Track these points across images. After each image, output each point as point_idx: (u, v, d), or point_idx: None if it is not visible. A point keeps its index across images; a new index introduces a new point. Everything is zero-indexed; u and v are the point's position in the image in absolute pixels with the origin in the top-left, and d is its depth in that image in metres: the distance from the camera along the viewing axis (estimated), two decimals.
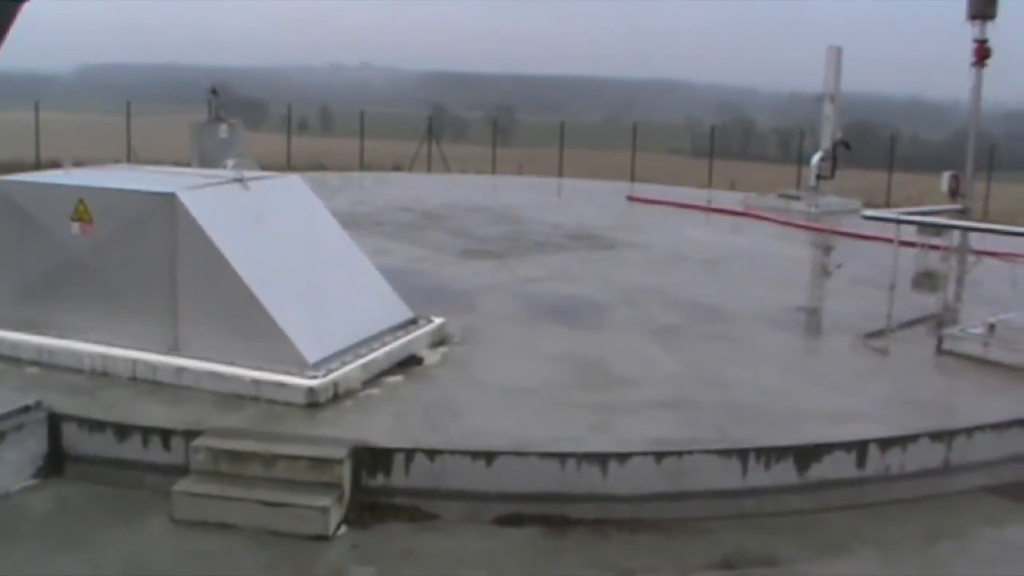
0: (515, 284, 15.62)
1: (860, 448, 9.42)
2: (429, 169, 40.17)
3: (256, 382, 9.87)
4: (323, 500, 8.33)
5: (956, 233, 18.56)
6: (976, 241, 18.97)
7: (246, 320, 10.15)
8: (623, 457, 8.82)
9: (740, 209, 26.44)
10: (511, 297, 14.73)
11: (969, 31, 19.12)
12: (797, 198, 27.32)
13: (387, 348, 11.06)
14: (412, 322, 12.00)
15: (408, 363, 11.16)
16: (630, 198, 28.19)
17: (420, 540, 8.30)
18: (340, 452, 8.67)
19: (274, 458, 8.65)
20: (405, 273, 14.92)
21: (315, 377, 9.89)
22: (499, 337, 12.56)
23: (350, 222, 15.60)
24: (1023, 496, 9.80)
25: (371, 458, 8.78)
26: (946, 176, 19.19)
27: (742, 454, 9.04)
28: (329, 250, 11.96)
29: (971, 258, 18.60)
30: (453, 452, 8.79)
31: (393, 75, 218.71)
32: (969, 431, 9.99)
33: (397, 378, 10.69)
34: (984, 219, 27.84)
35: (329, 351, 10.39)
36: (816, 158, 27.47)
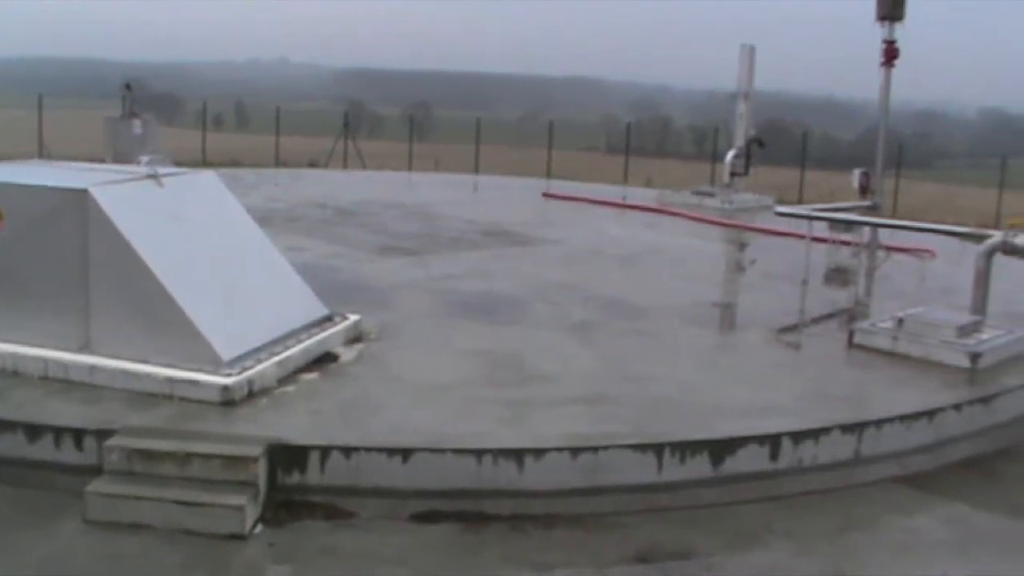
0: (431, 281, 15.62)
1: (773, 441, 9.54)
2: (345, 165, 40.02)
3: (170, 380, 9.77)
4: (239, 499, 8.27)
5: (866, 229, 18.81)
6: (886, 237, 19.24)
7: (160, 317, 10.05)
8: (539, 453, 8.86)
9: (655, 205, 26.62)
10: (427, 294, 14.72)
11: (878, 32, 19.36)
12: (711, 195, 27.58)
13: (302, 345, 11.01)
14: (327, 319, 11.95)
15: (324, 360, 11.11)
16: (546, 195, 28.27)
17: (337, 538, 8.28)
18: (255, 450, 8.62)
19: (189, 457, 8.58)
20: (320, 270, 14.86)
21: (230, 375, 9.81)
22: (415, 334, 12.55)
23: (265, 219, 15.52)
24: (931, 486, 9.99)
25: (287, 456, 8.74)
26: (856, 173, 19.40)
27: (657, 449, 9.11)
28: (244, 247, 11.86)
29: (881, 254, 18.86)
30: (369, 449, 8.77)
31: (310, 71, 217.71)
32: (879, 423, 10.16)
33: (313, 375, 10.64)
34: (893, 215, 28.24)
35: (244, 348, 10.32)
36: (730, 155, 27.76)
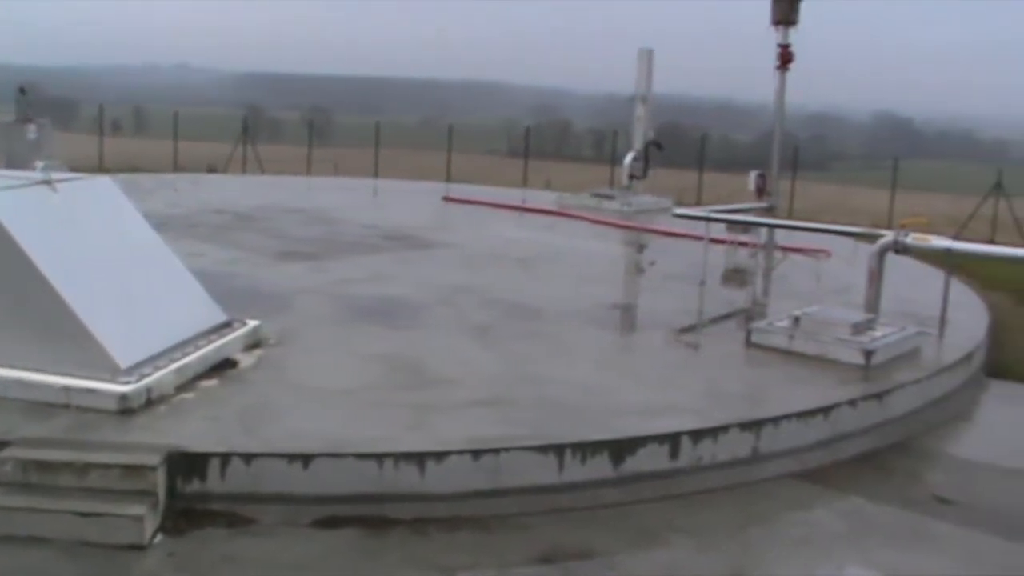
0: (331, 285, 15.55)
1: (673, 440, 9.64)
2: (244, 170, 39.63)
3: (66, 389, 9.61)
4: (138, 508, 8.16)
5: (763, 230, 19.06)
6: (782, 237, 19.51)
7: (55, 325, 9.88)
8: (441, 456, 8.86)
9: (555, 208, 26.74)
10: (327, 299, 14.65)
11: (773, 36, 19.64)
12: (610, 197, 27.77)
13: (201, 352, 10.89)
14: (226, 325, 11.84)
15: (223, 367, 11.00)
16: (446, 198, 28.28)
17: (237, 545, 8.20)
18: (154, 459, 8.51)
19: (86, 467, 8.44)
20: (219, 276, 14.70)
21: (127, 383, 9.67)
22: (315, 339, 12.49)
23: (163, 224, 15.33)
24: (828, 480, 10.18)
25: (186, 464, 8.64)
26: (753, 175, 19.66)
27: (558, 450, 9.16)
28: (141, 253, 11.71)
29: (778, 254, 19.14)
30: (269, 455, 8.71)
31: (209, 76, 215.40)
32: (776, 420, 10.33)
33: (212, 382, 10.54)
34: (790, 216, 28.65)
35: (142, 356, 10.18)
36: (629, 158, 27.98)
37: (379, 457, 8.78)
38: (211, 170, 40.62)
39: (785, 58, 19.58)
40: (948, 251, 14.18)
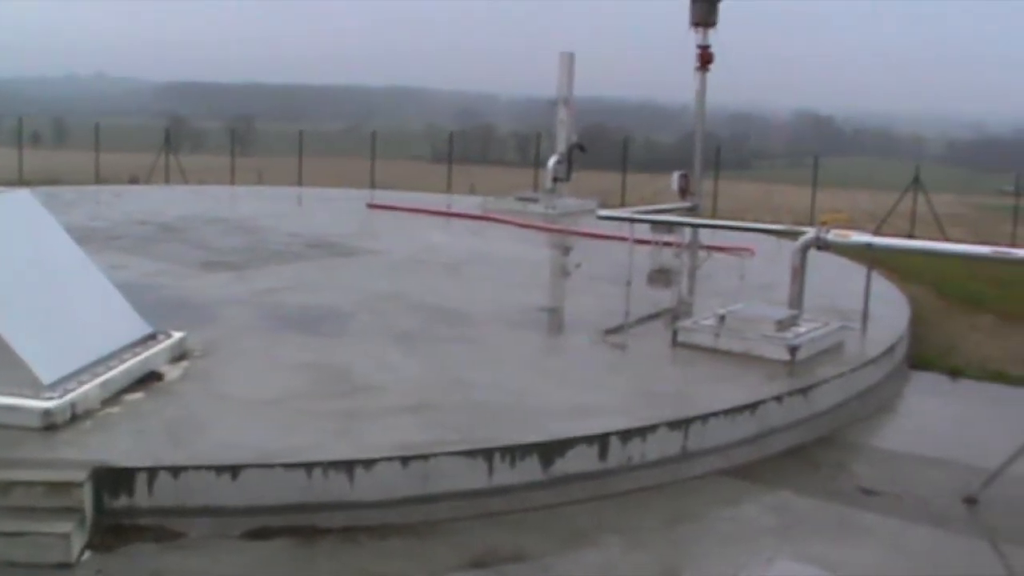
0: (255, 295, 15.44)
1: (602, 441, 9.67)
2: (167, 181, 39.29)
3: None
4: (64, 526, 8.04)
5: (687, 230, 19.19)
6: (706, 237, 19.66)
7: None
8: (369, 463, 8.82)
9: (479, 213, 26.76)
10: (252, 308, 14.55)
11: (692, 37, 19.80)
12: (535, 200, 27.83)
13: (126, 365, 10.76)
14: (151, 337, 11.71)
15: (148, 379, 10.88)
16: (371, 205, 28.21)
17: (167, 560, 8.11)
18: (80, 475, 8.39)
19: (10, 485, 8.30)
20: (143, 288, 14.55)
21: (51, 398, 9.53)
22: (241, 349, 12.39)
23: (85, 237, 15.17)
24: (756, 475, 10.27)
25: (113, 479, 8.53)
26: (676, 176, 19.80)
27: (487, 454, 9.15)
28: (62, 267, 11.56)
29: (702, 253, 19.27)
30: (197, 468, 8.62)
31: (129, 86, 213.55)
32: (704, 418, 10.39)
33: (137, 395, 10.41)
34: (713, 216, 28.87)
35: (65, 371, 10.04)
36: (552, 161, 28.06)
37: (308, 466, 8.73)
38: (133, 181, 40.32)
39: (705, 59, 19.74)
40: (869, 246, 14.36)
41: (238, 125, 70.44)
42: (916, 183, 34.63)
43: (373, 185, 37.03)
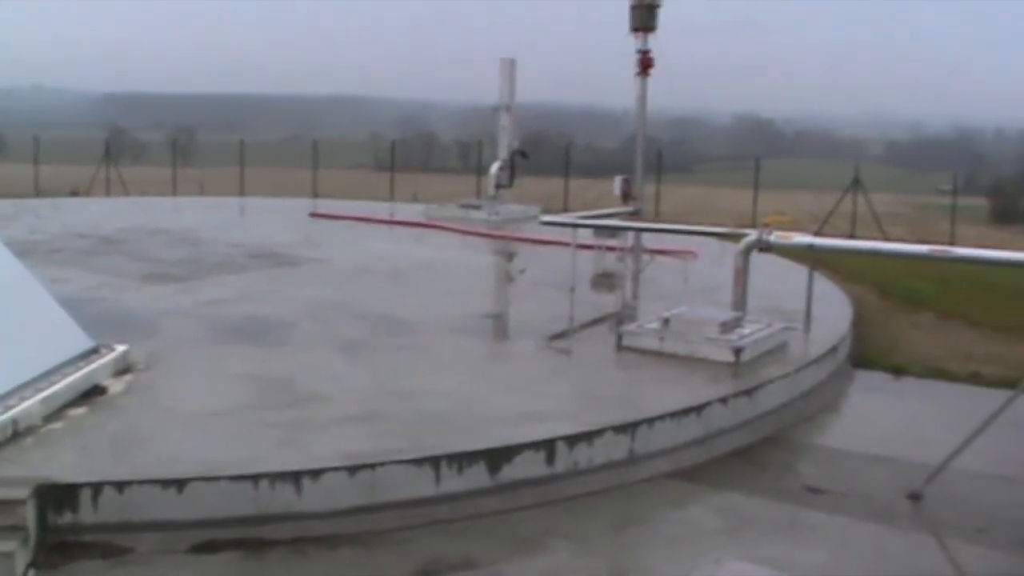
0: (199, 307, 15.34)
1: (548, 446, 9.67)
2: (108, 193, 38.99)
3: None
4: (7, 545, 7.92)
5: (630, 234, 19.26)
6: (649, 240, 19.73)
7: None
8: (316, 474, 8.77)
9: (423, 220, 26.74)
10: (195, 320, 14.45)
11: (633, 43, 19.89)
12: (478, 207, 27.88)
13: (68, 380, 10.64)
14: (94, 351, 11.59)
15: (91, 394, 10.76)
16: (314, 214, 28.13)
17: None
18: (22, 492, 8.28)
19: None
20: (85, 301, 14.43)
21: None
22: (185, 361, 12.30)
23: (25, 251, 15.03)
24: (703, 477, 10.30)
25: (56, 495, 8.42)
26: (618, 180, 19.88)
27: (434, 461, 9.13)
28: (1, 281, 11.43)
29: (645, 257, 19.34)
30: (142, 482, 8.53)
31: (68, 97, 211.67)
32: (650, 421, 10.42)
33: (81, 410, 10.30)
34: (656, 219, 28.97)
35: (6, 387, 9.91)
36: (495, 167, 28.11)
37: (254, 478, 8.66)
38: (74, 194, 40.00)
39: (645, 64, 19.85)
40: (810, 247, 14.46)
41: (179, 136, 69.99)
42: (856, 184, 34.92)
43: (316, 194, 36.93)
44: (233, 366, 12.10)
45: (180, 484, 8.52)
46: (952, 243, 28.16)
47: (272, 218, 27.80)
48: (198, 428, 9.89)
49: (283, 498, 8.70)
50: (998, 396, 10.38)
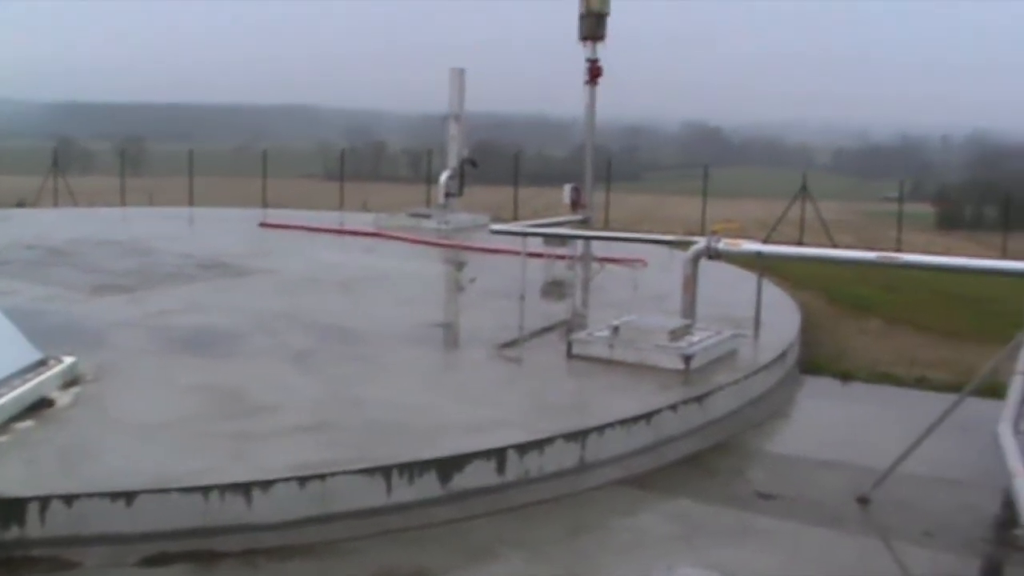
0: (148, 318, 15.23)
1: (499, 455, 9.67)
2: (56, 204, 38.70)
3: None
4: None
5: (580, 242, 19.31)
6: (599, 249, 19.79)
7: None
8: (266, 485, 8.73)
9: (372, 230, 26.71)
10: (144, 331, 14.35)
11: (582, 51, 19.95)
12: (427, 216, 27.86)
13: (15, 393, 10.53)
14: (41, 363, 11.47)
15: (39, 406, 10.65)
16: (263, 224, 28.02)
17: None
18: None
19: None
20: (32, 313, 14.30)
21: None
22: (134, 373, 12.21)
23: None
24: (654, 484, 10.34)
25: (2, 510, 8.33)
26: (567, 189, 19.93)
27: (385, 471, 9.11)
28: None
29: (595, 265, 19.40)
30: (91, 495, 8.45)
31: (14, 107, 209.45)
32: (601, 429, 10.44)
33: (27, 423, 10.18)
34: (605, 228, 29.08)
35: None
36: (444, 176, 28.11)
37: (204, 490, 8.61)
38: (21, 204, 39.64)
39: (594, 73, 19.91)
40: (759, 254, 14.55)
41: (128, 146, 69.50)
42: (804, 191, 35.26)
43: (265, 204, 36.80)
44: (183, 377, 12.03)
45: (129, 497, 8.46)
46: (899, 249, 28.43)
47: (222, 228, 27.68)
48: (147, 440, 9.81)
49: (233, 509, 8.64)
50: (944, 400, 10.48)
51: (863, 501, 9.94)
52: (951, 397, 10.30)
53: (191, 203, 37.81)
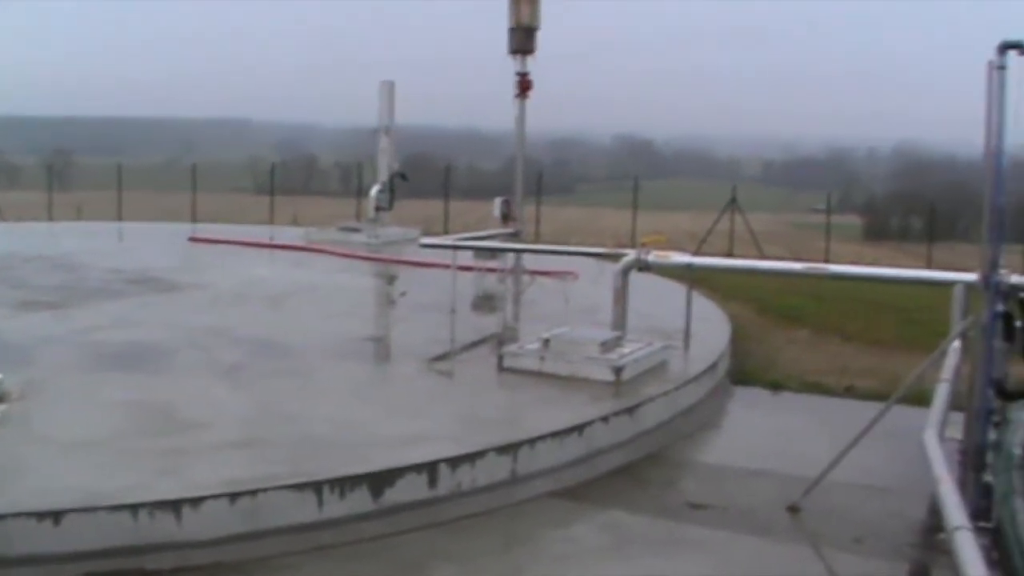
0: (76, 334, 15.06)
1: (431, 469, 9.65)
2: None
3: None
4: None
5: (511, 255, 19.35)
6: (530, 262, 19.83)
7: None
8: (196, 502, 8.66)
9: (303, 244, 26.61)
10: (72, 347, 14.19)
11: (512, 65, 20.00)
12: (358, 230, 27.79)
13: None
14: None
15: None
16: (193, 239, 27.82)
17: None
18: None
19: None
20: None
21: None
22: (61, 390, 12.07)
23: None
24: (586, 496, 10.38)
25: None
26: (498, 202, 19.95)
27: (316, 486, 9.07)
28: None
29: (526, 278, 19.44)
30: (17, 515, 8.34)
31: None
32: (532, 442, 10.46)
33: None
34: (536, 241, 29.13)
35: None
36: (374, 190, 28.05)
37: (133, 507, 8.52)
38: None
39: (524, 86, 19.96)
40: (689, 266, 14.68)
41: (55, 159, 68.75)
42: (734, 203, 35.55)
43: (195, 218, 36.53)
44: (112, 394, 11.90)
45: (57, 516, 8.35)
46: (827, 260, 28.77)
47: (151, 243, 27.44)
48: (75, 458, 9.70)
49: (163, 527, 8.56)
50: (872, 408, 10.60)
51: (793, 509, 10.04)
52: (879, 405, 10.43)
53: (120, 218, 37.43)
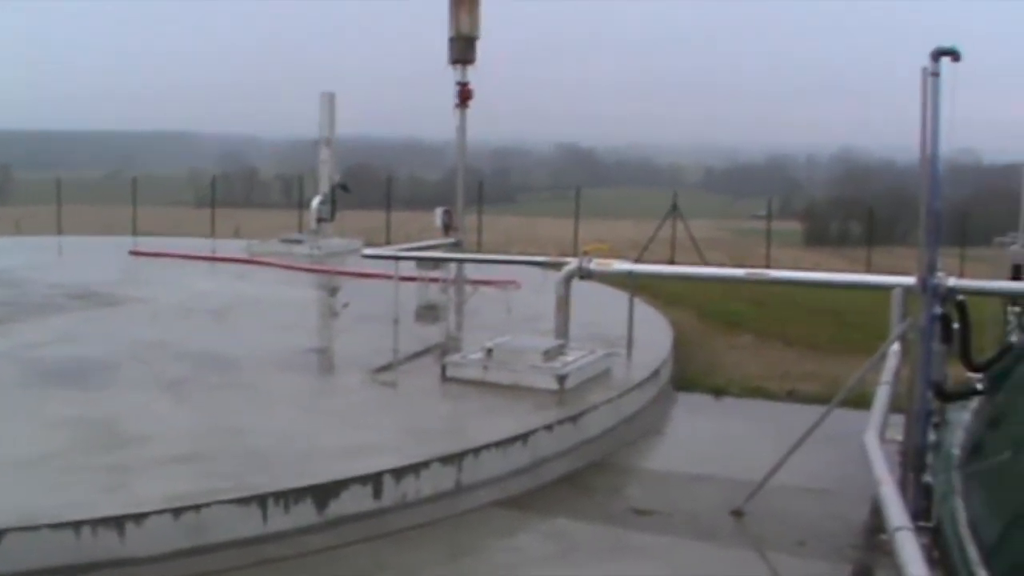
0: (17, 350, 14.92)
1: (375, 480, 9.66)
2: None
3: None
4: None
5: (453, 265, 19.39)
6: (472, 271, 19.87)
7: None
8: (140, 517, 8.61)
9: (245, 256, 26.50)
10: (13, 364, 14.06)
11: (452, 75, 20.02)
12: (300, 242, 27.73)
13: None
14: None
15: None
16: (134, 252, 27.63)
17: None
18: None
19: None
20: None
21: None
22: (3, 407, 11.97)
23: None
24: (531, 505, 10.41)
25: None
26: (439, 212, 19.96)
27: (260, 500, 9.04)
28: None
29: (468, 288, 19.48)
30: None
31: None
32: (476, 451, 10.49)
33: None
34: (478, 250, 29.19)
35: None
36: (316, 202, 28.01)
37: (75, 525, 8.46)
38: None
39: (464, 96, 19.97)
40: (630, 273, 14.77)
41: None
42: (675, 210, 35.72)
43: (136, 232, 36.25)
44: (54, 410, 11.80)
45: None
46: (768, 266, 28.96)
47: (92, 257, 27.20)
48: (16, 476, 9.60)
49: (106, 544, 8.50)
50: (813, 412, 10.72)
51: (737, 514, 10.13)
52: (820, 409, 10.54)
53: (60, 232, 37.07)
